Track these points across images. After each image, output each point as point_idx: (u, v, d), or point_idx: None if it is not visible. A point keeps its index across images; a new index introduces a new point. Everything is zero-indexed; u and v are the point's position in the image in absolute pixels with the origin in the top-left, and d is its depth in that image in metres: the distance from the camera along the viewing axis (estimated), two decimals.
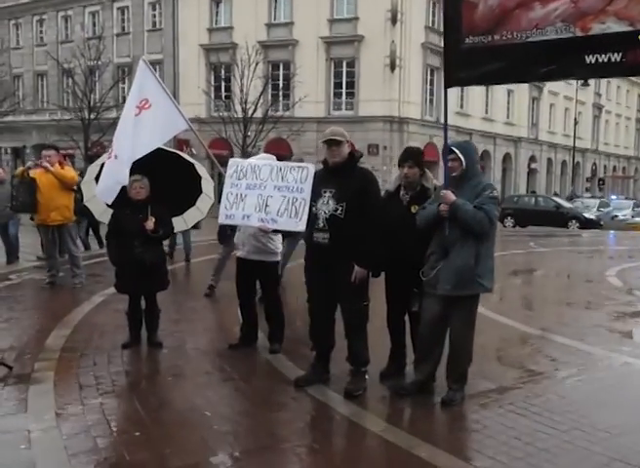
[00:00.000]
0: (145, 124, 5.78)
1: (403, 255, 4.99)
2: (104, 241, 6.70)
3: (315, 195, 5.00)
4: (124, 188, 5.80)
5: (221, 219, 5.59)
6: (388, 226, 4.94)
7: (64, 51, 35.85)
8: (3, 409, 4.55)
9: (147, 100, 5.85)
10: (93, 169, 6.50)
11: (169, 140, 6.61)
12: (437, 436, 4.33)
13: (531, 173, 44.01)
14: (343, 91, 30.79)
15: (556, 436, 4.17)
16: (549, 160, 46.66)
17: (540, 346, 6.62)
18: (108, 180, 5.80)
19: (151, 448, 3.96)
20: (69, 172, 9.05)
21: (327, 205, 4.89)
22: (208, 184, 6.58)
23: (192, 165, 6.45)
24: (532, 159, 43.63)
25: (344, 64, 30.55)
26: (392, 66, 29.21)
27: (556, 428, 4.29)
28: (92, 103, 30.89)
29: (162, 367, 5.61)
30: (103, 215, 6.34)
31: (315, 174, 5.15)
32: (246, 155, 23.84)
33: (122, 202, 5.86)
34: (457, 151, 4.72)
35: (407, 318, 5.30)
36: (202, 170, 6.55)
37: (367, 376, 5.08)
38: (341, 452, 4.17)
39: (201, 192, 6.56)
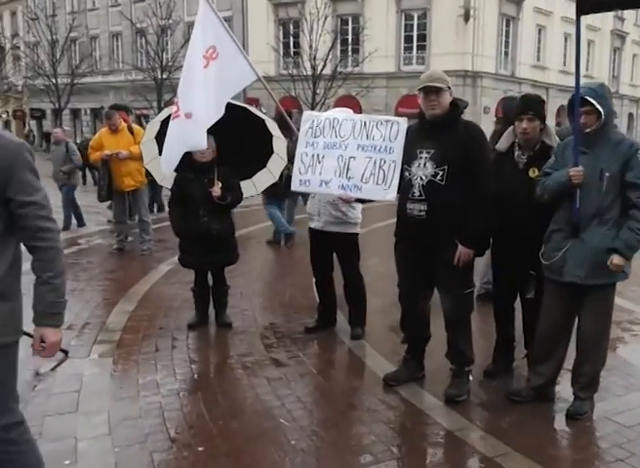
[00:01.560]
0: (215, 77, 4.81)
1: (517, 230, 3.96)
2: (167, 208, 5.88)
3: (409, 156, 4.00)
4: None
5: (295, 186, 4.65)
6: (500, 195, 3.90)
7: (137, 10, 35.22)
8: (52, 406, 3.85)
9: (215, 49, 4.85)
10: (153, 127, 5.61)
11: (236, 96, 5.66)
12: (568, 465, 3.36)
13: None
14: (414, 44, 28.91)
15: None
16: (630, 115, 43.34)
17: None
18: (179, 145, 4.80)
19: None
20: (138, 134, 8.25)
21: (424, 168, 3.88)
22: (280, 143, 5.58)
23: (263, 121, 5.49)
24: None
25: (415, 17, 28.63)
26: (466, 17, 27.16)
27: None
28: (164, 63, 30.34)
29: (231, 355, 4.79)
30: (166, 180, 5.49)
31: (408, 129, 4.13)
32: None
33: (185, 164, 4.98)
34: (592, 101, 3.59)
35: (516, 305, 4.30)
36: (274, 126, 5.56)
37: (471, 377, 4.12)
38: None
39: (272, 152, 5.60)
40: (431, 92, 3.85)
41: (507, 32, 29.87)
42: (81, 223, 11.08)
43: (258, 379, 4.28)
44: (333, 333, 5.25)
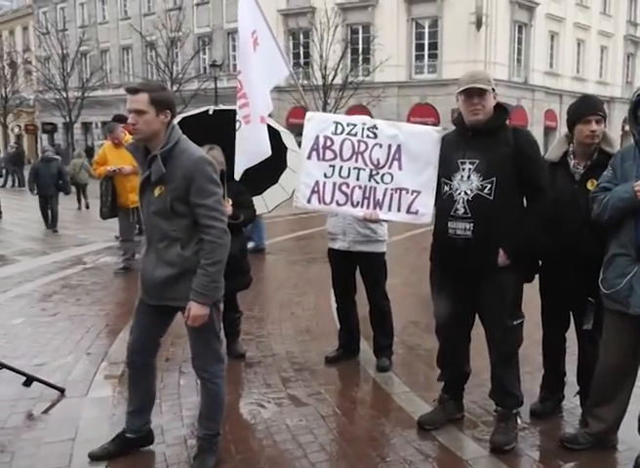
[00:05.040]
0: (259, 63, 4.33)
1: (573, 251, 3.44)
2: None
3: (448, 169, 3.47)
4: None
5: (301, 202, 3.92)
6: (553, 211, 3.39)
7: (147, 23, 35.02)
8: (42, 459, 3.33)
9: (256, 33, 4.37)
10: None
11: None
12: None
13: (625, 135, 40.27)
14: (425, 53, 28.46)
15: None
16: None
17: None
18: (257, 153, 4.38)
19: None
20: None
21: (468, 182, 3.37)
22: (295, 157, 5.05)
23: (277, 132, 4.99)
24: (626, 121, 39.80)
25: (426, 25, 28.17)
26: (478, 24, 26.65)
27: None
28: (174, 75, 30.04)
29: (245, 393, 4.27)
30: None
31: (443, 139, 3.61)
32: None
33: None
34: None
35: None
36: (289, 139, 5.06)
37: (519, 421, 3.58)
38: None
39: (285, 166, 5.10)
40: (474, 94, 3.34)
41: (520, 39, 29.36)
42: None
43: (275, 423, 3.74)
44: (356, 364, 4.73)
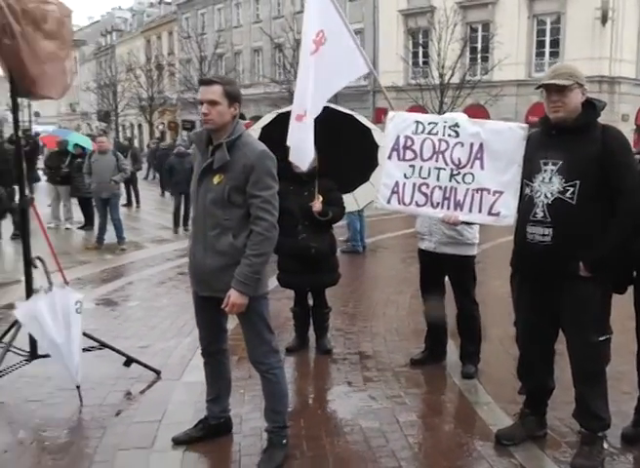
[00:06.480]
0: (322, 64, 4.13)
1: None
2: None
3: (530, 169, 3.17)
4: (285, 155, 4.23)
5: (381, 203, 3.75)
6: None
7: (276, 26, 35.74)
8: (129, 438, 3.40)
9: (322, 33, 4.15)
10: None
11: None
12: None
13: None
14: (546, 50, 26.78)
15: None
16: None
17: None
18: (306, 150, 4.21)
19: None
20: None
21: (549, 184, 3.04)
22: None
23: (368, 130, 4.81)
24: None
25: (548, 21, 26.51)
26: (604, 19, 24.72)
27: None
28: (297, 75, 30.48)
29: (326, 388, 4.17)
30: None
31: (529, 137, 3.29)
32: None
33: (285, 174, 4.40)
34: None
35: None
36: (382, 137, 4.87)
37: (605, 445, 3.21)
38: None
39: (377, 164, 4.90)
40: (552, 90, 3.01)
41: None
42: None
43: (350, 423, 3.60)
44: (441, 369, 4.48)
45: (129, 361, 4.29)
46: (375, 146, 4.70)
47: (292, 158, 4.26)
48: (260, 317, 3.07)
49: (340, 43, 4.25)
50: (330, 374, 4.42)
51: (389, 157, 3.65)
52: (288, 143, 4.20)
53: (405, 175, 3.60)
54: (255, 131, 4.85)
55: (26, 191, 4.35)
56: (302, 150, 4.19)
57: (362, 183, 4.91)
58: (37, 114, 50.99)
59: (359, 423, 3.60)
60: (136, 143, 42.24)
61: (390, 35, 30.70)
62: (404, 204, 3.61)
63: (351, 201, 4.95)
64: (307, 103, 4.10)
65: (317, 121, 4.20)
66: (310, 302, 4.90)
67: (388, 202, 3.66)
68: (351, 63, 4.33)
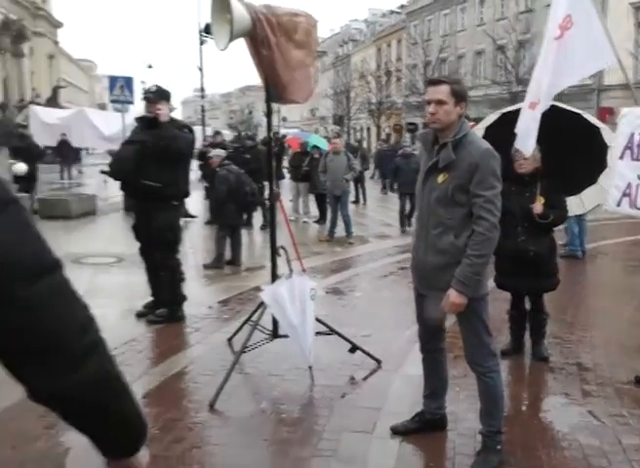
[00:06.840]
0: (565, 48, 3.77)
1: None
2: None
3: None
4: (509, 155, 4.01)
5: (611, 206, 3.42)
6: None
7: (498, 28, 34.14)
8: (353, 421, 3.52)
9: (570, 17, 3.76)
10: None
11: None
12: None
13: None
14: None
15: None
16: None
17: None
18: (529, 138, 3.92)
19: None
20: None
21: None
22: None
23: (597, 129, 4.33)
24: None
25: None
26: None
27: None
28: (520, 75, 28.80)
29: (541, 397, 3.90)
30: None
31: None
32: None
33: (507, 174, 4.16)
34: None
35: None
36: (611, 136, 4.36)
37: None
38: None
39: (605, 166, 4.41)
40: None
41: None
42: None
43: (568, 437, 3.31)
44: None
45: (354, 348, 4.45)
46: (604, 146, 4.24)
47: (517, 144, 4.03)
48: (480, 318, 2.98)
49: (588, 29, 3.78)
50: (546, 383, 4.13)
51: (621, 157, 3.28)
52: (516, 130, 3.97)
53: (639, 177, 3.19)
54: (479, 130, 4.68)
55: (274, 187, 4.59)
56: (529, 138, 3.92)
57: (590, 185, 4.47)
58: (284, 119, 55.28)
59: (577, 438, 3.31)
60: (364, 145, 43.73)
61: (620, 29, 27.37)
62: (636, 207, 3.22)
63: (577, 203, 4.54)
64: (542, 92, 3.83)
65: (542, 118, 3.92)
66: (527, 306, 4.63)
67: (618, 205, 3.31)
68: (597, 52, 3.83)
